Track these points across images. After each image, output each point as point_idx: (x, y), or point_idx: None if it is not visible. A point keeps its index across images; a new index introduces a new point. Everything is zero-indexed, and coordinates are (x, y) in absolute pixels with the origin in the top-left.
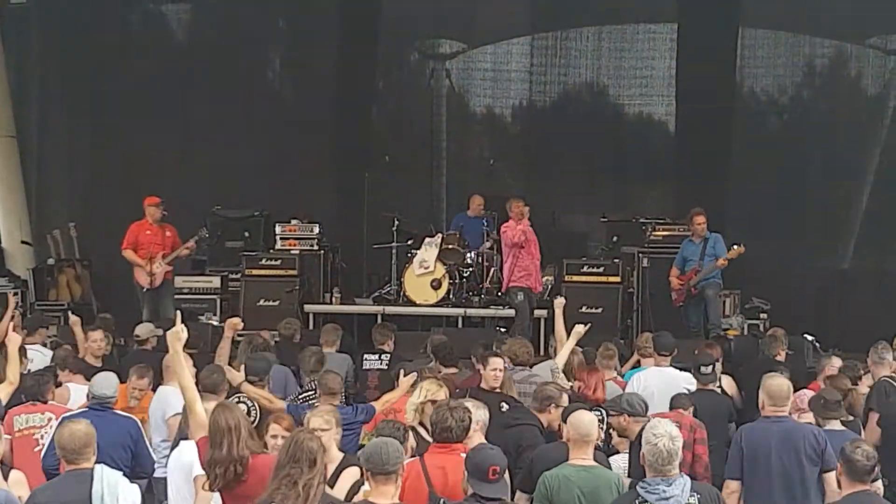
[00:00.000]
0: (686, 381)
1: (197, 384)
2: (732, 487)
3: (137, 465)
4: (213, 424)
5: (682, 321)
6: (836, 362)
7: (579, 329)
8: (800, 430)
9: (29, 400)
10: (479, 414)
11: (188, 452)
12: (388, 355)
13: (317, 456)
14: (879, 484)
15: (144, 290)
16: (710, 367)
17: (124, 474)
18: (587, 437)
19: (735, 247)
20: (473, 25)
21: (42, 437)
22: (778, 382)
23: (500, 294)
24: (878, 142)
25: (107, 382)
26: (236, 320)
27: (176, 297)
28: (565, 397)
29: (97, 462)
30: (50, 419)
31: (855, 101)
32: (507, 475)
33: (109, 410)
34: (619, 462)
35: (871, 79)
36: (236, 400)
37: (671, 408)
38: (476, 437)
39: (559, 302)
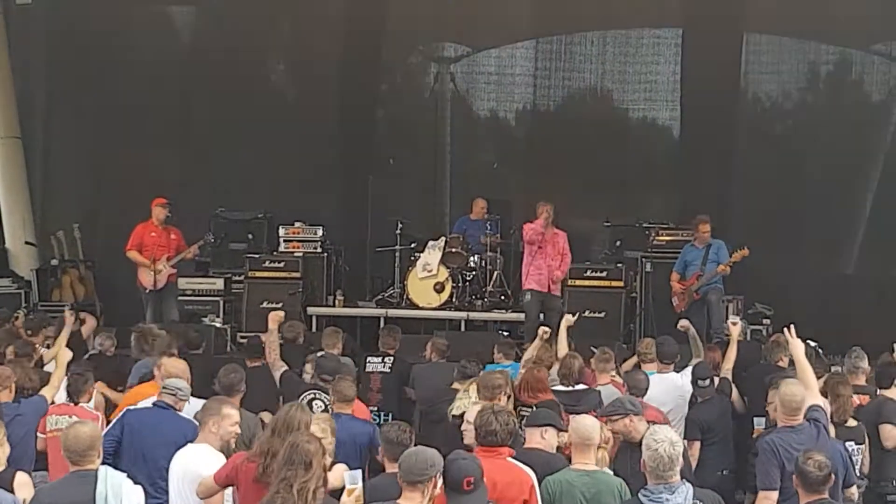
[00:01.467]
0: (687, 386)
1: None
2: (772, 498)
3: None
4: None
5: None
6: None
7: (569, 318)
8: (819, 436)
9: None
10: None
11: (197, 459)
12: (392, 358)
13: (313, 459)
14: (854, 489)
15: (147, 291)
16: (708, 381)
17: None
18: (589, 442)
19: (739, 249)
20: (477, 29)
21: None
22: (791, 391)
23: (503, 297)
24: (882, 147)
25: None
26: (280, 313)
27: (179, 298)
28: (510, 386)
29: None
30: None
31: (859, 107)
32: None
33: (171, 409)
34: None
35: (876, 85)
36: (311, 397)
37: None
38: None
39: (567, 319)
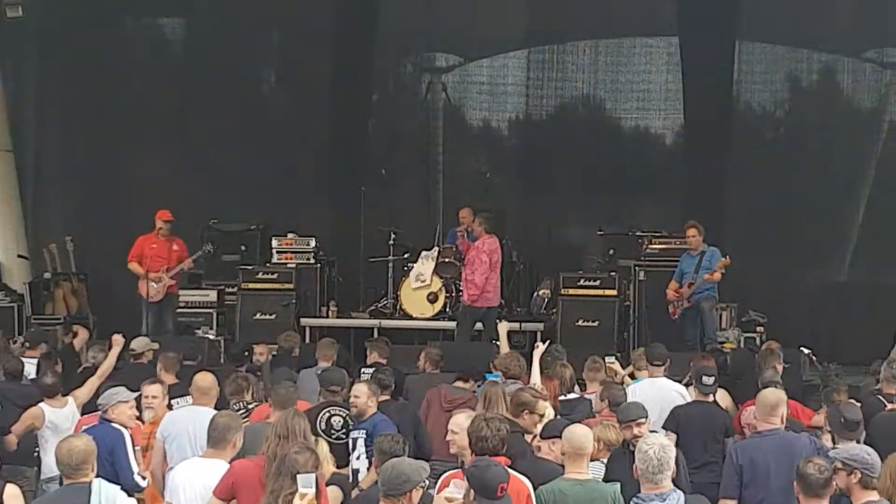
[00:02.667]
0: (680, 392)
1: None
2: None
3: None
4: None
5: (679, 334)
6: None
7: (539, 348)
8: (796, 442)
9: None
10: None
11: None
12: (387, 370)
13: (299, 470)
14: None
15: (147, 302)
16: (713, 378)
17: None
18: (581, 451)
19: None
20: (470, 39)
21: None
22: (765, 393)
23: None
24: (874, 155)
25: (110, 392)
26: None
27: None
28: (542, 404)
29: None
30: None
31: (851, 115)
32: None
33: (105, 422)
34: (595, 469)
35: (868, 92)
36: (328, 415)
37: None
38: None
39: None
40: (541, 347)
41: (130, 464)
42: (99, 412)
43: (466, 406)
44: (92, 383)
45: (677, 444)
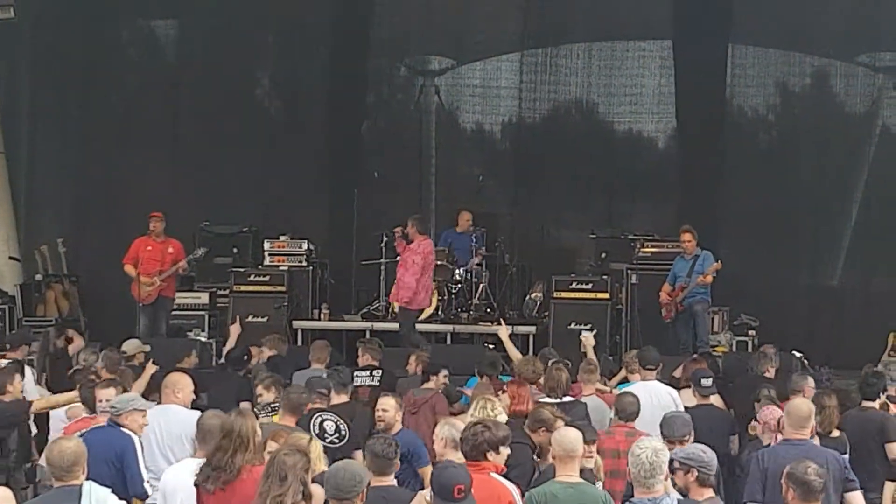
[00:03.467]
0: (672, 395)
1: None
2: None
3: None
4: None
5: (671, 338)
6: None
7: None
8: (823, 454)
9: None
10: (445, 431)
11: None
12: (380, 371)
13: (288, 472)
14: (860, 494)
15: (141, 305)
16: (710, 380)
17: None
18: (573, 454)
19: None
20: (463, 42)
21: None
22: (798, 403)
23: (488, 310)
24: (867, 159)
25: (126, 398)
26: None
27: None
28: (560, 423)
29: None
30: None
31: (844, 119)
32: (472, 493)
33: (114, 426)
34: None
35: (860, 96)
36: (320, 420)
37: (622, 419)
38: (449, 454)
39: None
40: (588, 337)
41: (141, 471)
42: (98, 415)
43: (428, 405)
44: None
45: None
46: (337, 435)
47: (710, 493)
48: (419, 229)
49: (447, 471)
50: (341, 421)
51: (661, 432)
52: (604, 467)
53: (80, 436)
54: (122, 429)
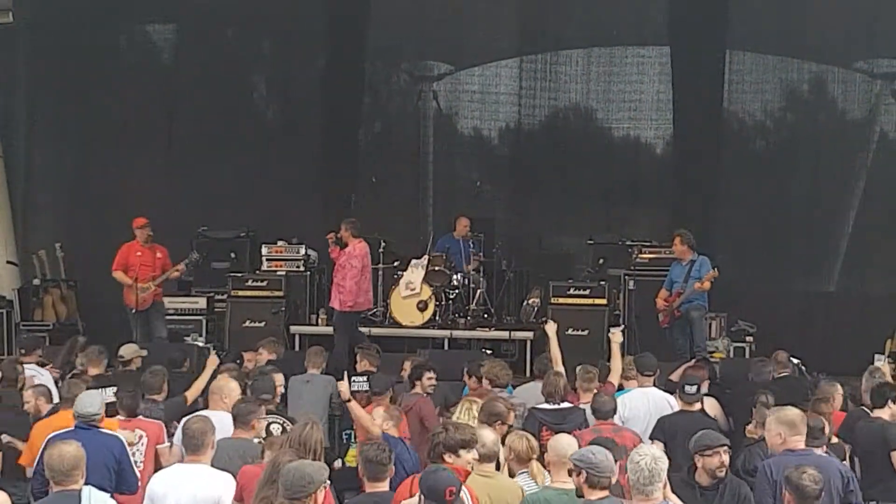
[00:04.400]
0: (669, 401)
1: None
2: None
3: (122, 484)
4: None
5: (669, 343)
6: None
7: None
8: (830, 465)
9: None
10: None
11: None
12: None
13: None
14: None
15: (134, 311)
16: (695, 387)
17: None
18: (566, 460)
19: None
20: (461, 47)
21: (133, 454)
22: (790, 412)
23: (486, 316)
24: (864, 165)
25: (90, 400)
26: None
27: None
28: (512, 415)
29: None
30: (141, 436)
31: (841, 125)
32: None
33: (95, 429)
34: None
35: (858, 103)
36: (266, 423)
37: (597, 417)
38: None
39: (551, 327)
40: (617, 333)
41: (135, 471)
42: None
43: (413, 411)
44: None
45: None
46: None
47: (603, 493)
48: (353, 233)
49: (437, 473)
50: (287, 423)
51: (694, 446)
52: None
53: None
54: (107, 432)
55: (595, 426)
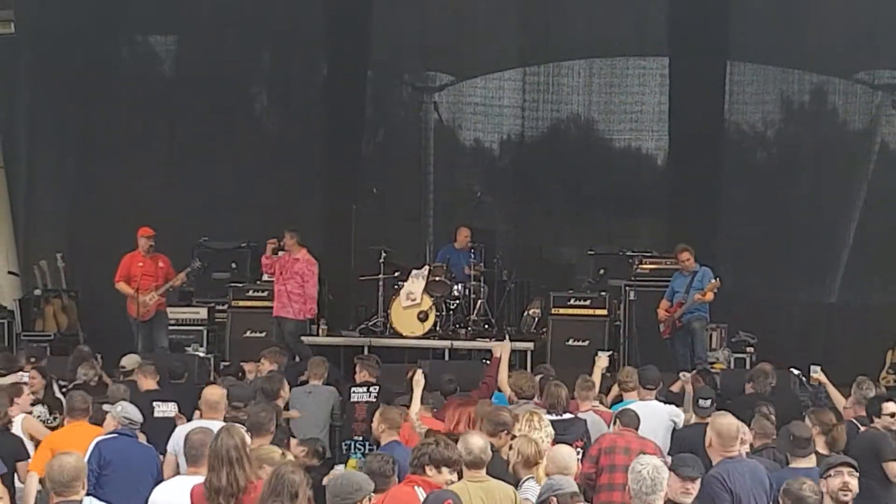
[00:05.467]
0: (671, 415)
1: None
2: None
3: None
4: (214, 450)
5: (670, 354)
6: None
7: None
8: (759, 468)
9: None
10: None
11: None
12: (377, 388)
13: (298, 489)
14: None
15: (137, 322)
16: (709, 401)
17: None
18: (567, 471)
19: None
20: (464, 58)
21: None
22: (728, 422)
23: (486, 326)
24: (865, 176)
25: (130, 408)
26: None
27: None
28: (517, 426)
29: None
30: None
31: (842, 136)
32: None
33: (135, 437)
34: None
35: (859, 114)
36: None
37: (623, 425)
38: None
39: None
40: (603, 358)
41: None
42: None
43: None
44: None
45: None
46: None
47: None
48: (298, 241)
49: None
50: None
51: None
52: (617, 461)
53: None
54: (143, 443)
55: (619, 430)
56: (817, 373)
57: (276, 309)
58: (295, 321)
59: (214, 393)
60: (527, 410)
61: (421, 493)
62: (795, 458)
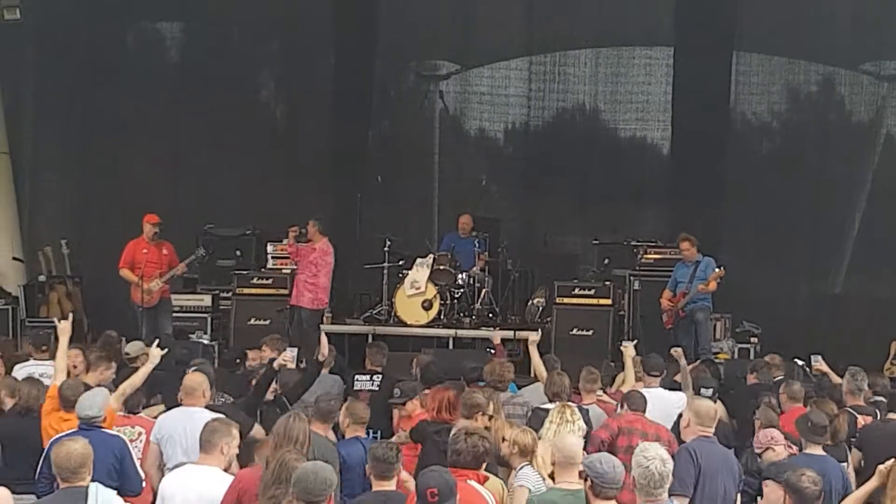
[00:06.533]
0: (677, 401)
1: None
2: None
3: (125, 484)
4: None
5: (673, 344)
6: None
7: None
8: (731, 455)
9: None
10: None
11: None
12: (380, 376)
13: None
14: None
15: (141, 309)
16: (711, 391)
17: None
18: (572, 460)
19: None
20: (470, 47)
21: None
22: (707, 403)
23: (491, 315)
24: (870, 167)
25: (91, 402)
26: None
27: None
28: (492, 406)
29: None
30: (140, 433)
31: (847, 127)
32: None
33: (97, 429)
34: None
35: (864, 104)
36: None
37: (631, 409)
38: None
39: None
40: (629, 347)
41: (139, 470)
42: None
43: None
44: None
45: None
46: None
47: (605, 503)
48: (320, 230)
49: (424, 476)
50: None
51: None
52: (633, 442)
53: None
54: (107, 431)
55: (627, 416)
56: (818, 362)
57: (293, 297)
58: (309, 310)
59: (193, 379)
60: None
61: (477, 486)
62: (810, 444)
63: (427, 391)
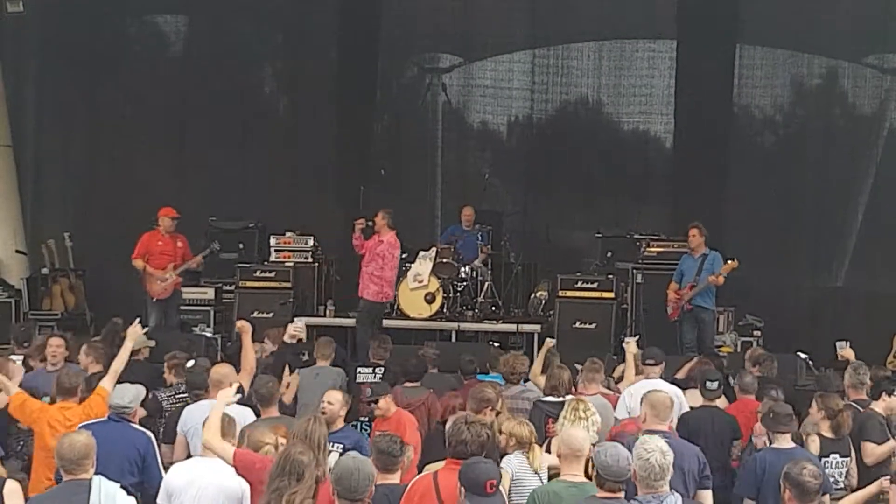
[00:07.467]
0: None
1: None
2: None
3: (146, 482)
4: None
5: (677, 337)
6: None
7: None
8: (688, 450)
9: None
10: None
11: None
12: (383, 369)
13: (305, 470)
14: (827, 498)
15: (154, 300)
16: (717, 383)
17: (126, 487)
18: (579, 453)
19: (729, 262)
20: (473, 40)
21: None
22: (663, 395)
23: (493, 308)
24: (874, 160)
25: (124, 392)
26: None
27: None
28: (502, 402)
29: (100, 472)
30: None
31: (851, 120)
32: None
33: (125, 422)
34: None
35: (868, 98)
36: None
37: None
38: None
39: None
40: (631, 343)
41: (160, 469)
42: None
43: (423, 407)
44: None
45: None
46: None
47: (608, 494)
48: (389, 223)
49: (478, 466)
50: None
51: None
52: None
53: (87, 429)
54: (135, 426)
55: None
56: (844, 348)
57: (360, 289)
58: (370, 302)
59: (219, 371)
60: (572, 398)
61: None
62: (777, 436)
63: (408, 384)
